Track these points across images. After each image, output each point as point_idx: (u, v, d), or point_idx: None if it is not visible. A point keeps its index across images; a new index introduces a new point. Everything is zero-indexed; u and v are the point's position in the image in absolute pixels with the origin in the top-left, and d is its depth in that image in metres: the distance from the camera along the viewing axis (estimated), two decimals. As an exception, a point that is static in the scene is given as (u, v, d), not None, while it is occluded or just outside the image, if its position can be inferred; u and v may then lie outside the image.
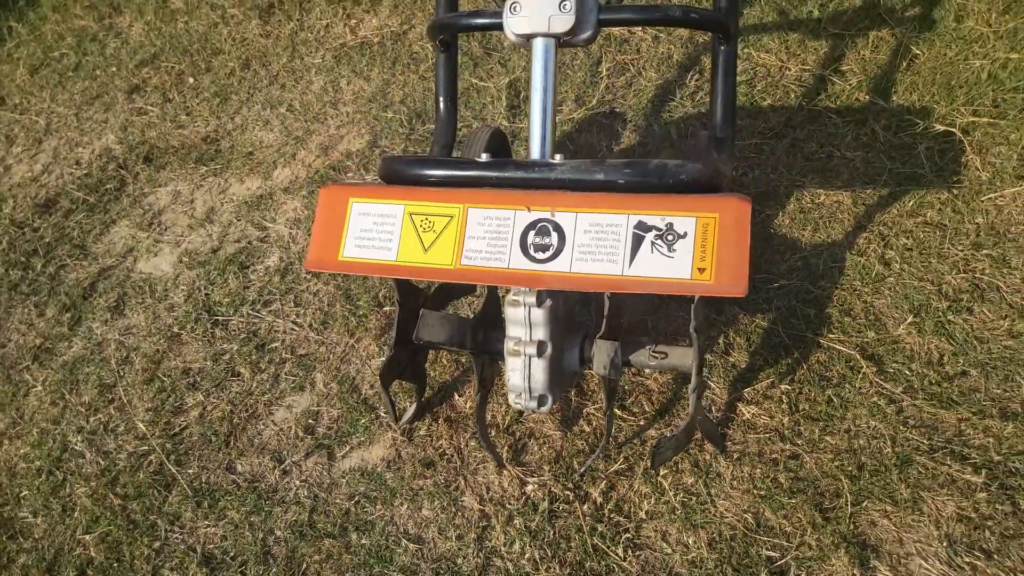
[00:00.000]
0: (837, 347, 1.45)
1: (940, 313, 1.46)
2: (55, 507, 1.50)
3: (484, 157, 1.15)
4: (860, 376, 1.40)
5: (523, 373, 1.19)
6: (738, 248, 1.00)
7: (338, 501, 1.42)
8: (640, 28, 2.16)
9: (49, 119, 2.45)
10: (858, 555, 1.21)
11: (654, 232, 1.04)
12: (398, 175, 1.18)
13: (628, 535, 1.29)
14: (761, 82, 1.98)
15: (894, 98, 1.85)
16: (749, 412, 1.40)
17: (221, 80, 2.41)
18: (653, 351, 1.24)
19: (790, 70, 1.98)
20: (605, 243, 1.05)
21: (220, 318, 1.77)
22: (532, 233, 1.08)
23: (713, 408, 1.41)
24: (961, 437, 1.31)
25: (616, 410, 1.43)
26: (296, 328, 1.71)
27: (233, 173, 2.14)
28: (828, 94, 1.90)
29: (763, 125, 1.87)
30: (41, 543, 1.46)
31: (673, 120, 1.94)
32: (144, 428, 1.60)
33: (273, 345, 1.69)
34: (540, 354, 1.19)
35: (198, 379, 1.67)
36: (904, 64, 1.91)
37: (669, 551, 1.27)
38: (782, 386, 1.42)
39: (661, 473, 1.34)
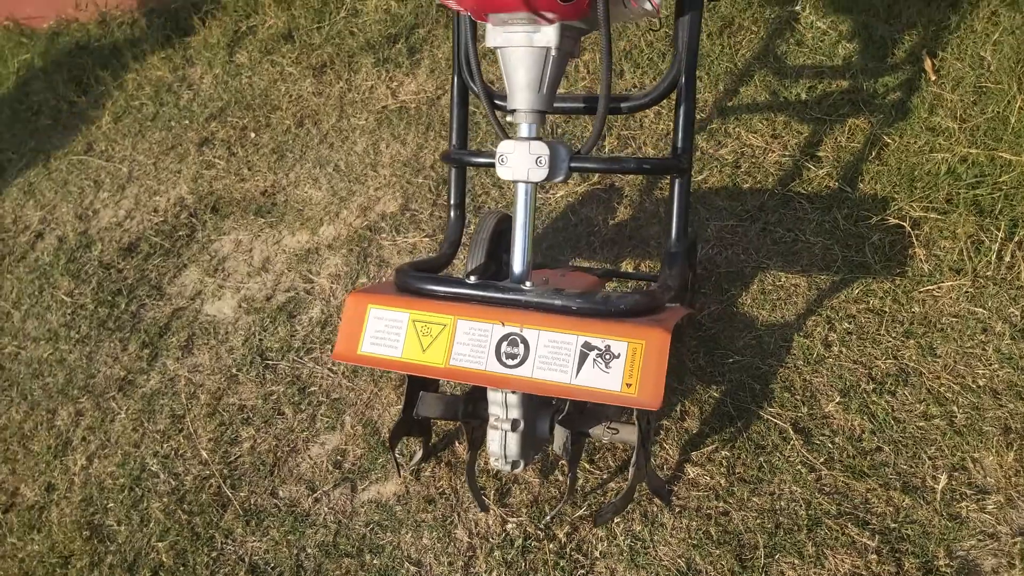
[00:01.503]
0: (774, 420, 1.74)
1: (866, 394, 1.74)
2: (135, 518, 1.91)
3: (472, 279, 1.47)
4: (789, 446, 1.70)
5: (500, 443, 1.52)
6: (657, 370, 1.30)
7: (357, 527, 1.78)
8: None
9: (131, 167, 2.87)
10: (765, 600, 1.52)
11: (596, 352, 1.35)
12: (407, 287, 1.52)
13: (583, 570, 1.62)
14: (745, 163, 2.25)
15: (860, 186, 2.10)
16: (694, 472, 1.70)
17: (278, 137, 2.78)
18: (607, 427, 1.56)
19: (772, 152, 2.25)
20: (559, 356, 1.37)
21: (270, 362, 2.14)
22: (505, 343, 1.41)
23: (664, 467, 1.72)
24: (866, 505, 1.60)
25: (585, 464, 1.75)
26: (332, 375, 2.07)
27: (286, 226, 2.51)
28: (802, 179, 2.16)
29: (740, 208, 2.14)
30: (123, 547, 1.86)
31: (664, 197, 2.22)
32: (207, 455, 1.98)
33: (312, 389, 2.06)
34: (514, 429, 1.51)
35: (251, 415, 2.05)
36: (874, 153, 2.15)
37: (615, 586, 1.59)
38: (723, 451, 1.72)
39: (615, 520, 1.66)
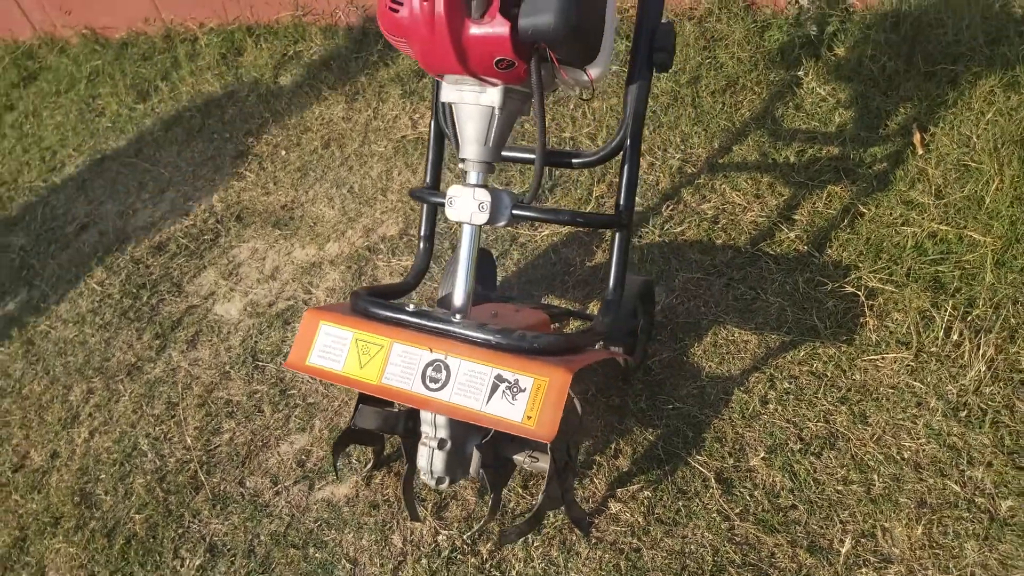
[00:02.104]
0: (700, 467, 1.83)
1: (792, 453, 1.82)
2: (120, 490, 2.12)
3: (411, 307, 1.63)
4: (709, 494, 1.79)
5: (428, 459, 1.67)
6: (555, 406, 1.43)
7: (307, 522, 1.95)
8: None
9: (172, 173, 3.15)
10: (656, 635, 1.62)
11: (505, 384, 1.49)
12: (357, 308, 1.68)
13: (497, 587, 1.74)
14: (724, 219, 2.35)
15: (827, 252, 2.18)
16: (616, 508, 1.81)
17: (305, 156, 3.01)
18: (529, 455, 1.69)
19: (751, 211, 2.34)
20: (475, 385, 1.51)
21: (260, 363, 2.35)
22: (430, 368, 1.56)
23: (589, 499, 1.84)
24: (771, 559, 1.68)
25: (519, 488, 1.88)
26: (311, 381, 2.26)
27: (298, 240, 2.72)
28: (773, 240, 2.25)
29: (709, 262, 2.24)
30: (106, 515, 2.08)
31: (643, 244, 2.34)
32: (190, 441, 2.19)
33: (292, 392, 2.25)
34: (440, 447, 1.66)
35: (235, 410, 2.25)
36: (847, 221, 2.23)
37: (524, 605, 1.71)
38: (647, 491, 1.82)
39: (534, 545, 1.78)
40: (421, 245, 1.94)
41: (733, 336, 2.07)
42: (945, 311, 1.96)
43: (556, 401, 1.44)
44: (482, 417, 1.49)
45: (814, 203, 2.30)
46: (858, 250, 2.15)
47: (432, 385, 1.55)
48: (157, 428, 2.26)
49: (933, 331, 1.94)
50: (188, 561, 1.95)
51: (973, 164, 2.22)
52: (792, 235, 2.24)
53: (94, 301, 2.71)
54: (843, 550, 1.66)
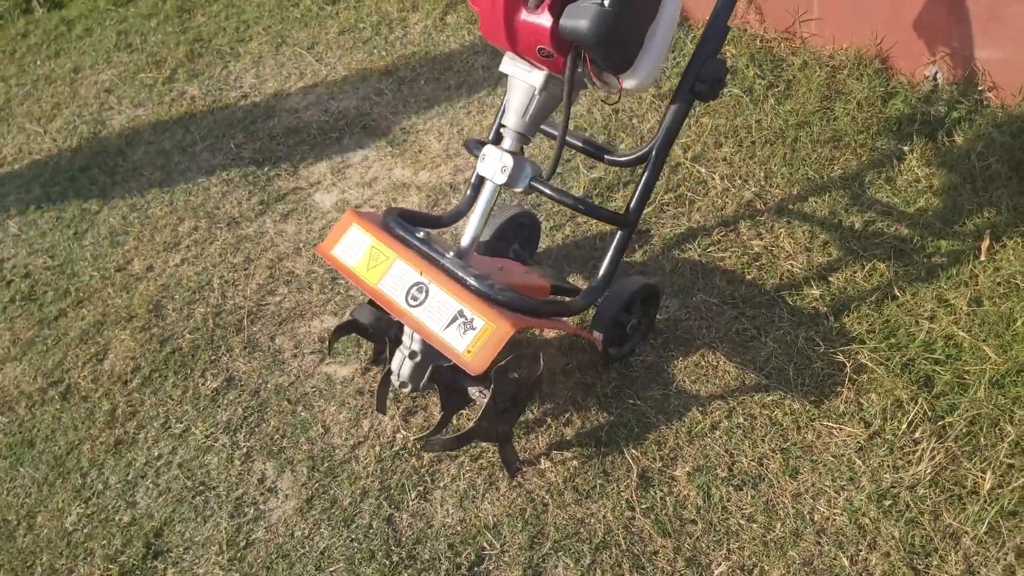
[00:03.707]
0: (630, 459, 2.02)
1: (715, 478, 1.97)
2: (184, 312, 2.59)
3: (421, 233, 1.92)
4: (626, 483, 1.98)
5: (398, 364, 1.97)
6: (491, 349, 1.69)
7: (307, 386, 2.32)
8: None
9: (329, 71, 3.58)
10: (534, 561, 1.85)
11: (463, 319, 1.75)
12: (383, 222, 1.99)
13: (422, 488, 2.03)
14: (765, 259, 2.45)
15: (842, 319, 2.25)
16: (545, 465, 2.04)
17: (439, 91, 3.35)
18: (480, 389, 1.95)
19: (794, 260, 2.43)
20: (441, 312, 1.79)
21: (326, 250, 2.73)
22: (415, 288, 1.84)
23: (526, 450, 2.07)
24: (652, 556, 1.86)
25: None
26: (358, 277, 2.61)
27: (401, 160, 3.08)
28: (798, 292, 2.34)
29: (730, 292, 2.37)
30: (166, 327, 2.56)
31: (681, 257, 2.49)
32: (250, 293, 2.62)
33: (339, 281, 2.62)
34: (411, 358, 1.95)
35: (292, 280, 2.65)
36: (876, 299, 2.28)
37: (437, 512, 1.99)
38: (576, 462, 2.03)
39: (465, 468, 2.05)
40: (469, 191, 2.21)
41: (717, 363, 2.21)
42: (919, 407, 2.00)
43: (495, 344, 1.69)
44: (436, 339, 1.77)
45: (855, 272, 2.36)
46: (871, 327, 2.21)
47: (412, 301, 1.84)
48: (230, 274, 2.71)
49: (898, 420, 2.00)
50: (209, 383, 2.38)
51: (1022, 284, 2.19)
52: (817, 293, 2.32)
53: (228, 158, 3.21)
54: (716, 572, 1.81)
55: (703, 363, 2.22)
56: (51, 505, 2.17)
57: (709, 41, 1.81)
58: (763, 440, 2.02)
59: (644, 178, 1.90)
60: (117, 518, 2.11)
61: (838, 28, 2.94)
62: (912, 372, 2.09)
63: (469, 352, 1.72)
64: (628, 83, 1.77)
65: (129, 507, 2.14)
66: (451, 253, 1.88)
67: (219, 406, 2.32)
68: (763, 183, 2.70)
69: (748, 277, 2.41)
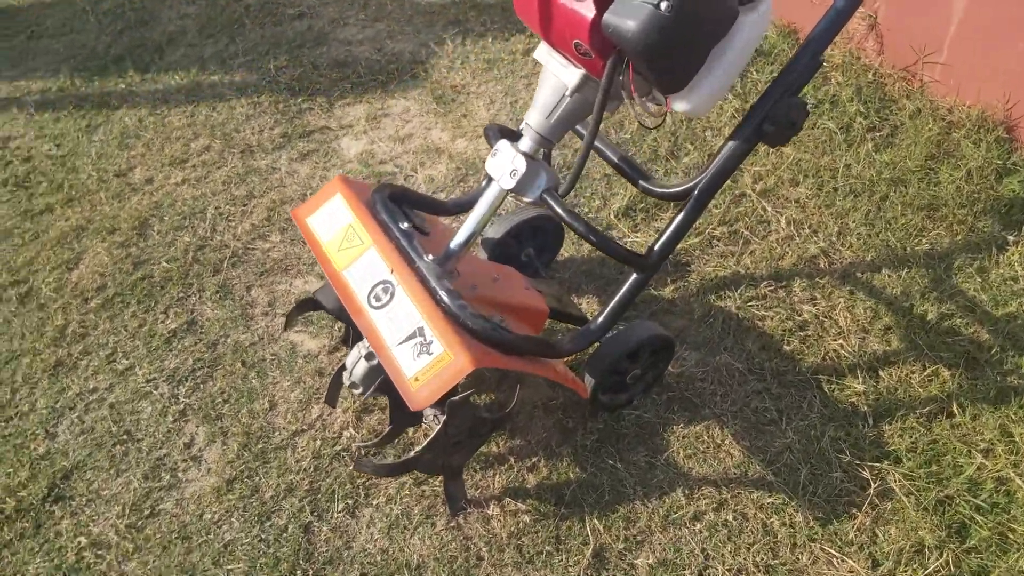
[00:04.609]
0: (590, 531, 1.75)
1: (683, 520, 1.68)
2: (168, 237, 2.40)
3: (405, 226, 1.65)
4: (576, 559, 1.71)
5: (353, 361, 1.72)
6: (440, 384, 1.42)
7: (267, 352, 2.11)
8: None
9: (394, 8, 3.31)
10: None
11: (421, 339, 1.49)
12: (368, 199, 1.72)
13: (351, 503, 1.80)
14: (812, 329, 2.11)
15: (881, 426, 1.91)
16: (494, 512, 1.78)
17: (502, 55, 3.06)
18: (436, 414, 1.69)
19: (845, 340, 2.09)
20: (401, 322, 1.52)
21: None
22: (380, 286, 1.58)
23: (478, 489, 1.82)
24: None
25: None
26: (357, 243, 2.37)
27: (443, 121, 2.80)
28: (838, 381, 2.00)
29: (759, 360, 2.05)
30: (144, 249, 2.36)
31: (717, 306, 2.17)
32: (241, 233, 2.41)
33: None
34: (368, 359, 1.70)
35: (287, 228, 2.43)
36: (928, 412, 1.93)
37: (360, 533, 1.76)
38: (528, 518, 1.77)
39: (405, 491, 1.81)
40: (483, 182, 1.93)
41: (723, 441, 1.90)
42: (944, 559, 1.67)
43: (447, 380, 1.42)
44: (386, 353, 1.51)
45: (912, 372, 2.00)
46: (913, 444, 1.86)
47: (374, 301, 1.58)
48: (227, 206, 2.50)
49: (914, 569, 1.67)
50: (169, 322, 2.19)
51: (1114, 441, 1.81)
52: (861, 387, 1.97)
53: (264, 79, 2.98)
54: None
55: (706, 437, 1.91)
56: (-31, 416, 2.02)
57: (791, 73, 1.46)
58: (748, 549, 1.72)
59: (679, 219, 1.59)
60: (32, 447, 1.95)
61: (965, 79, 2.52)
62: (946, 513, 1.75)
63: (416, 380, 1.46)
64: (680, 105, 1.44)
65: (47, 438, 1.97)
66: (430, 257, 1.61)
67: (171, 350, 2.13)
68: (834, 239, 2.33)
69: (786, 347, 2.08)
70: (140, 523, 1.80)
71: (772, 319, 2.14)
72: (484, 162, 1.89)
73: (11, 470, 1.90)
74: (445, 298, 1.52)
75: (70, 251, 2.39)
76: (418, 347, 1.48)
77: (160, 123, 2.83)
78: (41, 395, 2.05)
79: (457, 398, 1.55)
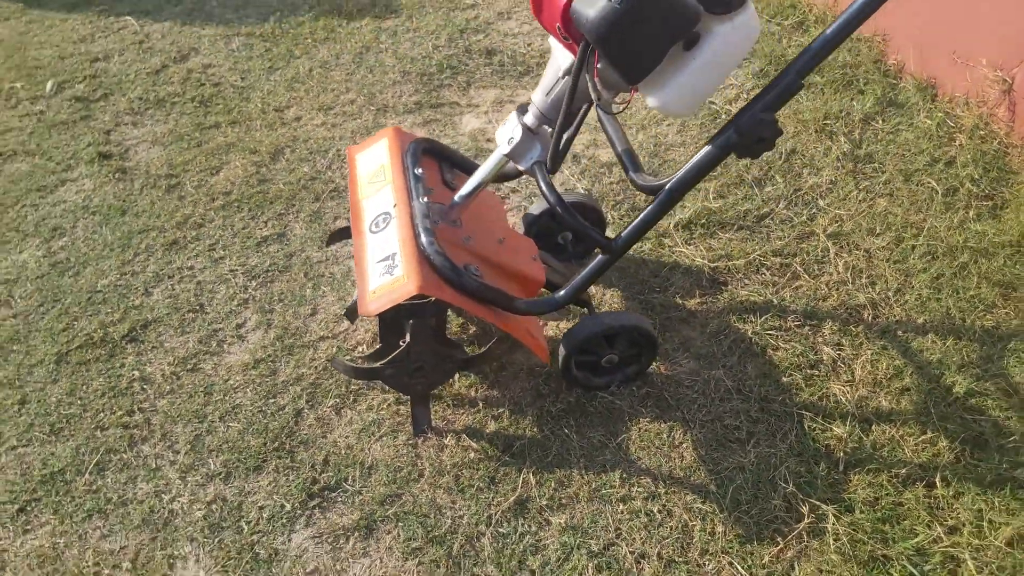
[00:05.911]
0: (525, 488, 1.91)
1: (585, 548, 1.79)
2: (290, 163, 2.84)
3: (419, 171, 1.92)
4: (500, 500, 1.88)
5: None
6: (387, 298, 1.67)
7: (327, 271, 2.46)
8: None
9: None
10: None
11: (391, 262, 1.75)
12: (407, 148, 2.01)
13: (339, 400, 2.10)
14: (822, 369, 2.10)
15: (849, 474, 1.88)
16: (450, 442, 1.99)
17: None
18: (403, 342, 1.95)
19: (852, 388, 2.06)
20: (384, 246, 1.80)
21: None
22: (382, 216, 1.87)
23: (442, 419, 2.04)
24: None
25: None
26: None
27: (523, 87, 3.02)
28: (825, 421, 1.98)
29: (752, 384, 2.07)
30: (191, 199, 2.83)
31: (734, 327, 2.22)
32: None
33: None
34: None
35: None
36: (905, 474, 1.87)
37: (336, 428, 2.05)
38: (476, 455, 1.96)
39: (378, 410, 2.07)
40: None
41: (682, 443, 1.97)
42: (850, 611, 1.65)
43: (394, 296, 1.68)
44: (361, 267, 1.79)
45: (909, 435, 1.94)
46: (874, 499, 1.82)
47: (374, 227, 1.87)
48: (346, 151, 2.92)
49: (816, 611, 1.66)
50: (266, 230, 2.62)
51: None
52: (843, 434, 1.94)
53: (422, 53, 3.39)
54: (513, 630, 1.68)
55: (666, 436, 1.99)
56: (100, 265, 2.57)
57: (770, 93, 1.55)
58: (660, 541, 1.79)
59: (646, 213, 1.71)
60: (131, 298, 2.45)
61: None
62: (876, 571, 1.70)
63: (374, 293, 1.72)
64: (650, 100, 1.58)
65: (144, 295, 2.46)
66: (425, 199, 1.86)
67: (257, 252, 2.56)
68: (890, 295, 2.27)
69: (785, 379, 2.09)
70: (182, 373, 2.22)
71: (785, 351, 2.15)
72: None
73: (111, 310, 2.41)
74: (421, 235, 1.77)
75: (218, 160, 2.92)
76: (387, 267, 1.75)
77: (325, 76, 3.33)
78: (154, 262, 2.56)
79: (417, 320, 1.80)
